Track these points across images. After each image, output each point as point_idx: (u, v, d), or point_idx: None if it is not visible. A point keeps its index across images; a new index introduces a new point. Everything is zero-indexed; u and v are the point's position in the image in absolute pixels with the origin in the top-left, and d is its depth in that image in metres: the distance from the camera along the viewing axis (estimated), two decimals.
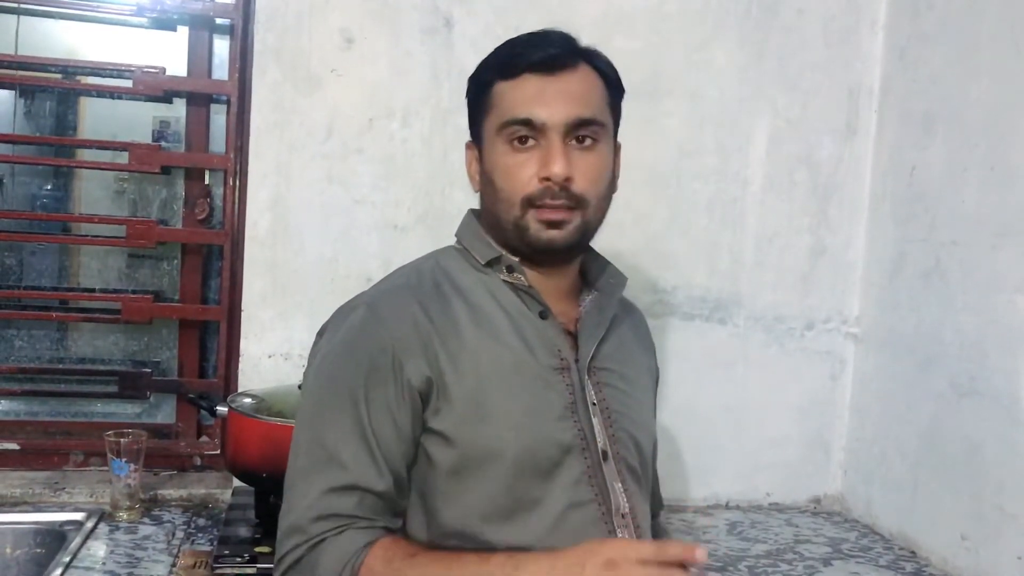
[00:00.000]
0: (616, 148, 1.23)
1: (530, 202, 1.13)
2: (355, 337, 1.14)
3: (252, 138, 1.91)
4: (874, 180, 2.13)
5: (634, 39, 2.00)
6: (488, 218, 1.22)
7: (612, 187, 1.22)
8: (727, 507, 2.15)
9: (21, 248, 2.08)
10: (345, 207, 1.94)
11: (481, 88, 1.20)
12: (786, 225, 2.13)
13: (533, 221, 1.14)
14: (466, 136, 2.01)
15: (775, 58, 2.10)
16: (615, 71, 1.22)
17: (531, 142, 1.14)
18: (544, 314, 1.18)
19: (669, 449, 2.04)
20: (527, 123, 1.13)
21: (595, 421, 1.17)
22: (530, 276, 1.20)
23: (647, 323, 1.43)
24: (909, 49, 2.03)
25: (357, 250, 1.94)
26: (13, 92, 2.03)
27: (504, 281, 1.19)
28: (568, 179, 1.12)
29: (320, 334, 1.21)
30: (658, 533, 1.40)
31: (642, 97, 2.00)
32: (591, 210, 1.16)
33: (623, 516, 1.16)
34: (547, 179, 1.12)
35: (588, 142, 1.15)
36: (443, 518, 1.11)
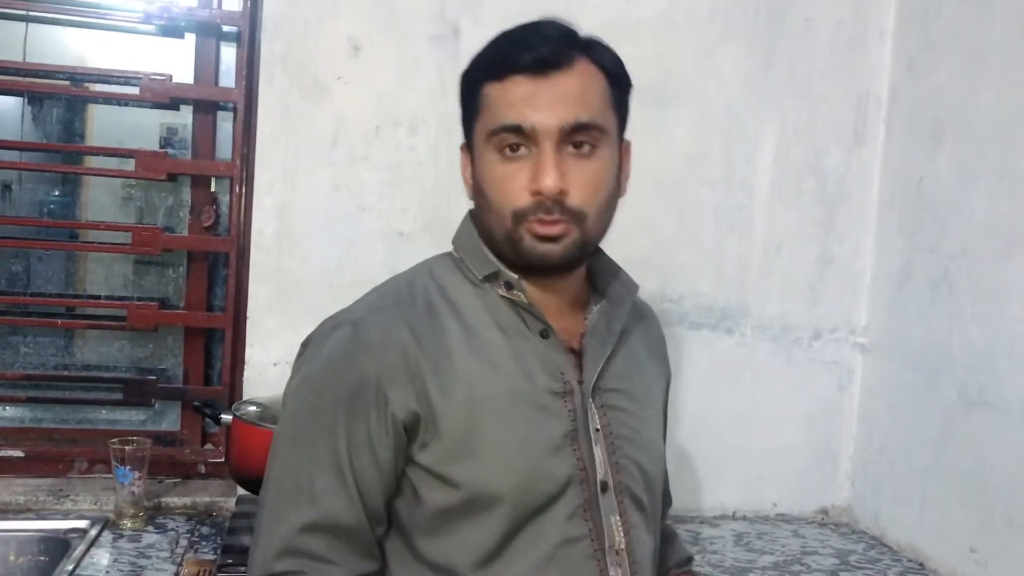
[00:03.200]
0: (623, 148, 1.14)
1: (522, 216, 1.04)
2: (337, 361, 1.06)
3: (258, 145, 1.91)
4: (882, 189, 2.12)
5: (641, 46, 1.98)
6: (482, 228, 1.12)
7: (617, 193, 1.12)
8: (734, 517, 2.14)
9: (28, 255, 2.09)
10: (351, 214, 1.94)
11: (470, 88, 1.11)
12: (793, 233, 2.13)
13: (526, 235, 1.05)
14: None
15: (783, 66, 2.09)
16: (619, 63, 1.11)
17: (522, 150, 1.04)
18: (545, 333, 1.10)
19: (675, 459, 2.03)
20: (517, 129, 1.03)
21: (596, 450, 1.09)
22: (529, 291, 1.10)
23: (659, 324, 1.35)
24: (917, 57, 2.02)
25: (363, 258, 1.94)
26: (21, 99, 2.03)
27: (502, 297, 1.11)
28: (562, 192, 1.02)
29: (304, 345, 1.13)
30: (665, 537, 1.35)
31: (649, 104, 1.99)
32: (590, 223, 1.06)
33: (617, 553, 1.08)
34: (539, 192, 1.02)
35: (586, 148, 1.05)
36: (427, 556, 1.05)
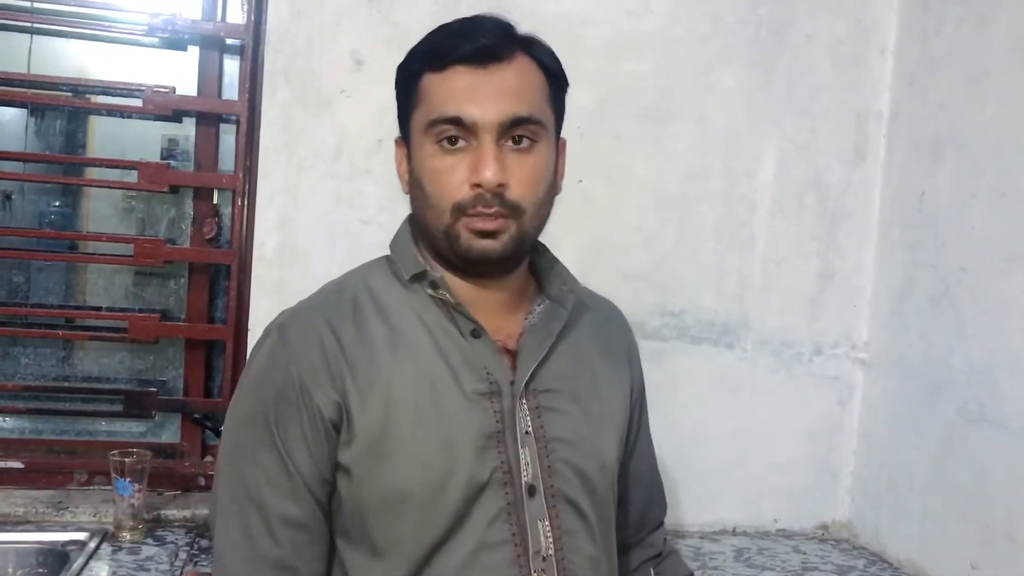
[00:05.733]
0: (560, 146, 1.13)
1: (461, 210, 1.03)
2: (265, 369, 1.07)
3: (261, 158, 1.92)
4: (883, 205, 2.13)
5: (642, 63, 2.00)
6: (418, 224, 1.12)
7: (553, 190, 1.11)
8: (734, 533, 2.13)
9: (29, 265, 2.09)
10: (352, 228, 1.94)
11: (409, 79, 1.10)
12: (794, 249, 2.13)
13: (464, 230, 1.04)
14: None
15: (783, 82, 2.10)
16: (557, 61, 1.11)
17: (461, 143, 1.03)
18: (476, 332, 1.07)
19: (675, 474, 2.03)
20: (456, 122, 1.03)
21: (523, 452, 1.06)
22: (464, 290, 1.09)
23: (626, 323, 1.30)
24: (918, 74, 2.03)
25: None
26: (24, 110, 2.04)
27: (431, 297, 1.09)
28: (501, 185, 1.02)
29: (251, 356, 1.14)
30: (665, 554, 1.33)
31: (650, 120, 2.00)
32: (527, 218, 1.05)
33: (544, 559, 1.05)
34: (478, 185, 1.02)
35: (525, 143, 1.05)
36: (347, 563, 1.06)
